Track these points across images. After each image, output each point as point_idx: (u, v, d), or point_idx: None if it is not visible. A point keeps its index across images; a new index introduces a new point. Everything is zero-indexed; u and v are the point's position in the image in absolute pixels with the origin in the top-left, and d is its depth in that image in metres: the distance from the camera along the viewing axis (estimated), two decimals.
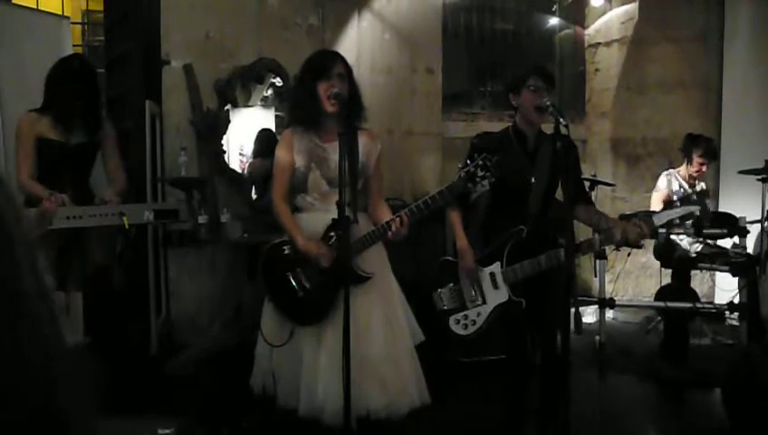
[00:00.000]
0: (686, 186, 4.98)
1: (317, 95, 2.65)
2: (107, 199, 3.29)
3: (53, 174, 3.32)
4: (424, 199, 2.59)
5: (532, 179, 2.98)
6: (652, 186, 5.18)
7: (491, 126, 4.72)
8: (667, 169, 5.13)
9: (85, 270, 3.28)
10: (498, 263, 2.96)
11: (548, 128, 2.92)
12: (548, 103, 2.78)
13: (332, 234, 2.63)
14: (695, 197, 4.86)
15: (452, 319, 3.03)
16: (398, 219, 2.56)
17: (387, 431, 2.71)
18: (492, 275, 2.97)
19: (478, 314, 2.99)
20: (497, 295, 2.97)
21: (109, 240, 3.38)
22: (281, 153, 2.77)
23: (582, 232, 3.92)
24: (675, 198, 5.01)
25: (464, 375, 3.96)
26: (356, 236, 2.61)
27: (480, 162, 2.49)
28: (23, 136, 3.29)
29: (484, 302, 2.98)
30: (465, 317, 3.01)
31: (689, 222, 4.60)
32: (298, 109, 2.77)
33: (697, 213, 2.81)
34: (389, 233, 2.57)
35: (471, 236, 3.00)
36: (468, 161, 2.52)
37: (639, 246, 5.04)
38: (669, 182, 5.01)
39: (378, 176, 2.86)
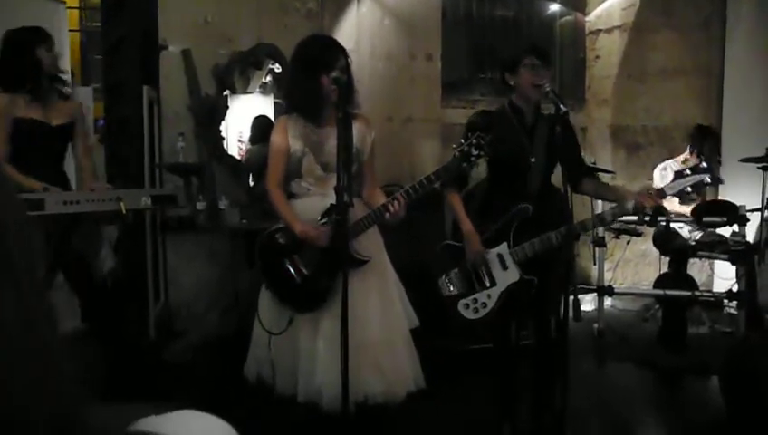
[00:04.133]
0: None
1: (321, 87, 2.63)
2: (90, 185, 3.23)
3: (33, 155, 3.22)
4: (419, 180, 2.58)
5: (532, 159, 2.96)
6: (652, 174, 5.17)
7: None
8: (662, 162, 5.13)
9: (77, 255, 3.26)
10: (505, 243, 2.94)
11: (546, 107, 2.90)
12: (547, 89, 2.76)
13: (326, 219, 2.63)
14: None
15: (461, 303, 3.00)
16: (395, 202, 2.55)
17: (384, 416, 2.72)
18: (500, 256, 2.95)
19: (488, 297, 2.96)
20: (507, 276, 2.94)
21: (100, 225, 3.35)
22: (276, 139, 2.75)
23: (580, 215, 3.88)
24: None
25: (461, 362, 3.96)
26: (351, 221, 2.60)
27: (474, 141, 2.48)
28: None
29: (493, 284, 2.96)
30: (475, 301, 2.98)
31: (692, 191, 4.61)
32: (300, 100, 2.74)
33: (707, 180, 2.79)
34: (387, 215, 2.56)
35: (471, 217, 2.98)
36: (462, 141, 2.51)
37: (637, 234, 5.06)
38: (663, 176, 5.01)
39: (372, 161, 2.85)
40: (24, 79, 3.20)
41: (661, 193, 2.79)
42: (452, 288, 3.02)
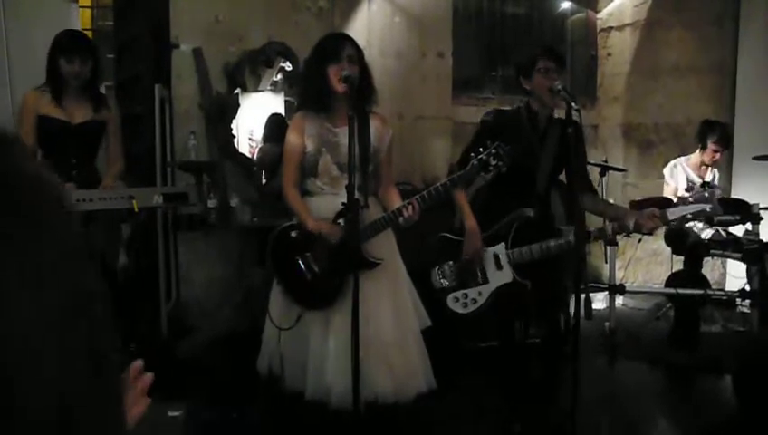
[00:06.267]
0: (695, 176, 4.95)
1: (327, 78, 2.63)
2: (104, 185, 3.30)
3: (58, 153, 3.31)
4: (435, 186, 2.58)
5: (540, 163, 2.96)
6: (663, 172, 5.14)
7: None
8: (674, 159, 5.10)
9: (95, 252, 3.29)
10: (503, 244, 2.95)
11: (560, 112, 2.90)
12: (559, 87, 2.75)
13: (340, 220, 2.62)
14: (701, 188, 4.83)
15: (450, 297, 3.01)
16: (409, 206, 2.55)
17: (394, 416, 2.72)
18: (495, 255, 2.96)
19: (479, 294, 2.98)
20: (500, 276, 2.95)
21: (113, 223, 3.39)
22: (292, 137, 2.76)
23: (593, 220, 3.90)
24: (682, 188, 4.96)
25: (470, 361, 3.96)
26: (366, 221, 2.60)
27: (494, 151, 2.49)
28: (23, 113, 3.31)
29: (486, 281, 2.97)
30: (465, 296, 3.00)
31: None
32: (308, 92, 2.76)
33: (708, 210, 2.82)
34: (401, 219, 2.56)
35: (475, 214, 2.98)
36: (481, 149, 2.51)
37: (649, 232, 5.03)
38: (673, 173, 4.98)
39: (388, 160, 2.84)
40: (48, 80, 3.34)
41: (664, 217, 2.80)
42: (444, 281, 3.03)
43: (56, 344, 0.42)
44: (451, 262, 3.02)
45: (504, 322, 3.11)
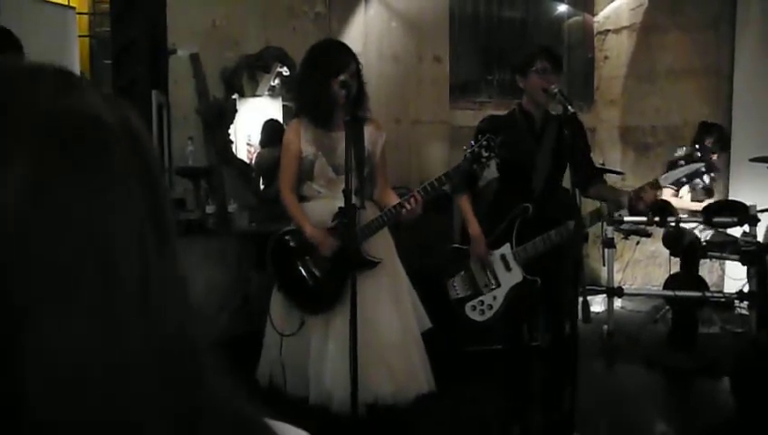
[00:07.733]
0: None
1: (332, 92, 2.64)
2: None
3: None
4: (430, 181, 2.60)
5: (539, 162, 2.96)
6: (661, 175, 5.14)
7: None
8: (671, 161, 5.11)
9: None
10: (508, 244, 2.95)
11: (555, 108, 2.90)
12: (555, 90, 2.76)
13: (336, 222, 2.64)
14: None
15: (468, 306, 3.02)
16: (411, 199, 2.56)
17: (394, 418, 2.72)
18: (503, 256, 2.96)
19: (494, 298, 2.98)
20: (511, 277, 2.96)
21: None
22: (288, 142, 2.77)
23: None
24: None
25: (470, 363, 3.96)
26: (363, 223, 2.62)
27: (484, 143, 2.51)
28: None
29: (498, 285, 2.98)
30: (482, 303, 3.00)
31: (699, 204, 4.61)
32: (309, 102, 2.75)
33: (703, 169, 2.79)
34: (405, 211, 2.57)
35: (480, 219, 2.99)
36: (472, 142, 2.54)
37: (647, 234, 5.04)
38: None
39: (383, 164, 2.86)
40: None
41: (656, 185, 2.80)
42: (459, 291, 3.04)
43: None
44: (463, 272, 3.03)
45: (514, 324, 3.10)
